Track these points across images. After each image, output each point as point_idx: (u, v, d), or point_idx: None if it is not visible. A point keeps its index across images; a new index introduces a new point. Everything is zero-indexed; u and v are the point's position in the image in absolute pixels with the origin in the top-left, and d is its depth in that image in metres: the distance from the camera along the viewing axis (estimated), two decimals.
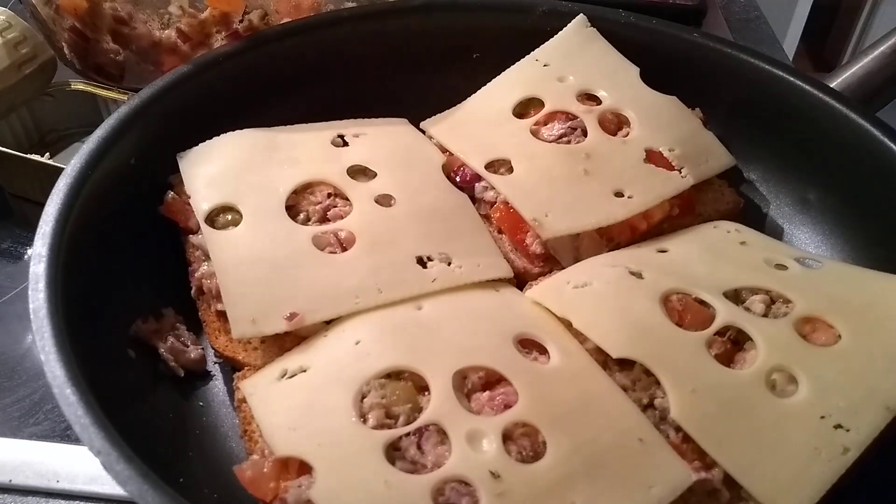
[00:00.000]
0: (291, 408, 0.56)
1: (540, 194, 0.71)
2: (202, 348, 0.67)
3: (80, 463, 0.64)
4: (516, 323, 0.62)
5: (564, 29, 0.84)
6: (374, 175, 0.73)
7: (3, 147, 0.84)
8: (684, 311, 0.61)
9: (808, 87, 0.78)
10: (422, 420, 0.53)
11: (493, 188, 0.73)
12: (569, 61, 0.82)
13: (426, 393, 0.56)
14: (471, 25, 0.87)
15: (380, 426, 0.53)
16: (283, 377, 0.59)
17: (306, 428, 0.54)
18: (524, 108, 0.80)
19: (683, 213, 0.75)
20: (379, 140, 0.78)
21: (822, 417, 0.55)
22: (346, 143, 0.76)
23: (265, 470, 0.52)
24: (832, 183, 0.78)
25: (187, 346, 0.66)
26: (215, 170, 0.70)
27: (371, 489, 0.50)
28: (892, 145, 0.72)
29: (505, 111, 0.79)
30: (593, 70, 0.81)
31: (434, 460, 0.52)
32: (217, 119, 0.75)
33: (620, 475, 0.52)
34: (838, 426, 0.54)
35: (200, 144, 0.73)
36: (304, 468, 0.52)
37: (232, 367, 0.65)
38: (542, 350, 0.60)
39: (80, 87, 0.92)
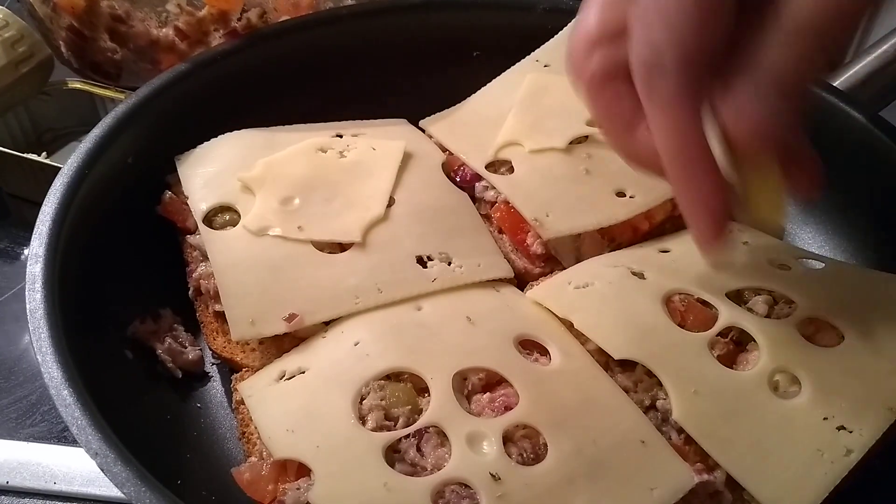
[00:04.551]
0: (290, 410, 0.55)
1: (541, 194, 0.71)
2: (200, 349, 0.67)
3: (78, 464, 0.64)
4: (517, 324, 0.62)
5: (565, 29, 0.84)
6: None
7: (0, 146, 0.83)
8: (686, 311, 0.61)
9: None
10: (421, 422, 0.53)
11: (493, 188, 0.73)
12: None
13: (426, 394, 0.55)
14: (470, 23, 0.87)
15: (379, 428, 0.53)
16: (281, 378, 0.58)
17: (305, 430, 0.53)
18: None
19: None
20: (378, 140, 0.77)
21: (825, 419, 0.55)
22: None
23: (263, 472, 0.52)
24: (834, 183, 0.77)
25: (185, 347, 0.66)
26: (213, 170, 0.70)
27: (370, 492, 0.49)
28: (894, 145, 0.72)
29: (505, 111, 0.78)
30: None
31: (434, 462, 0.51)
32: (215, 118, 0.74)
33: (622, 477, 0.52)
34: (841, 428, 0.54)
35: (198, 147, 0.72)
36: (302, 470, 0.51)
37: (230, 369, 0.65)
38: (543, 351, 0.60)
39: (78, 85, 0.92)
